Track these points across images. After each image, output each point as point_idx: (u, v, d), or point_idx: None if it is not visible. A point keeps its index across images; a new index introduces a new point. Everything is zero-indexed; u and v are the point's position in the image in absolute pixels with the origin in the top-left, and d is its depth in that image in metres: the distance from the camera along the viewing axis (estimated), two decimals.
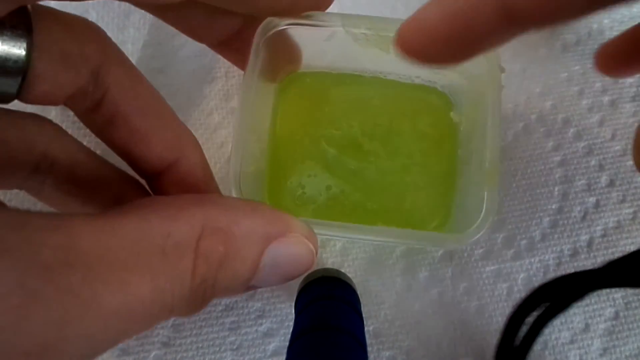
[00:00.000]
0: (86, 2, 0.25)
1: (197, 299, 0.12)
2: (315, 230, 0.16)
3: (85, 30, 0.16)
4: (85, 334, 0.10)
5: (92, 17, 0.25)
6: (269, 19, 0.18)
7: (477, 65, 0.19)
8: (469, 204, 0.19)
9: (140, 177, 0.19)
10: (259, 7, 0.17)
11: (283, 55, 0.20)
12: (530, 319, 0.17)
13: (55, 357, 0.10)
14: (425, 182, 0.21)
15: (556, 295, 0.17)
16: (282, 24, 0.19)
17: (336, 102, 0.22)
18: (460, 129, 0.21)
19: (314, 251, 0.15)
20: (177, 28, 0.19)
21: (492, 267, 0.22)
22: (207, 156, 0.23)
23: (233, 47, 0.20)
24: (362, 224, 0.18)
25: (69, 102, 0.16)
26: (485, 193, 0.17)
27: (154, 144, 0.17)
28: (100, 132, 0.18)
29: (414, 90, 0.22)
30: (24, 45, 0.14)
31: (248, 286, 0.14)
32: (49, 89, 0.15)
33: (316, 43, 0.20)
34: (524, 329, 0.17)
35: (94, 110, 0.17)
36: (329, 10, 0.19)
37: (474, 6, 0.11)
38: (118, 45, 0.24)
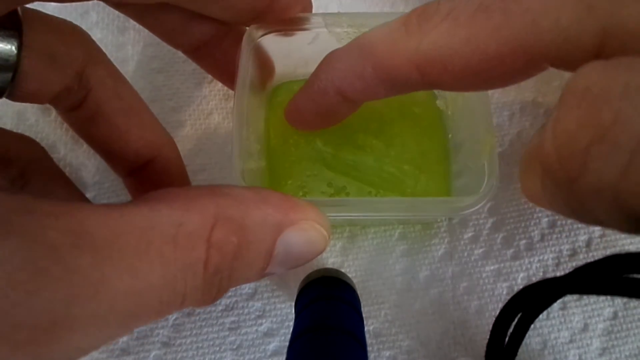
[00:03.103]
0: (87, 3, 0.25)
1: (212, 289, 0.12)
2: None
3: (71, 33, 0.17)
4: (93, 314, 0.10)
5: (92, 18, 0.25)
6: (252, 27, 0.19)
7: None
8: (467, 184, 0.19)
9: (116, 173, 0.20)
10: (237, 8, 0.18)
11: (267, 65, 0.21)
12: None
13: (63, 334, 0.10)
14: (422, 168, 0.21)
15: (534, 299, 0.17)
16: (266, 31, 0.19)
17: None
18: (448, 113, 0.22)
19: (327, 235, 0.15)
20: (153, 32, 0.19)
21: (492, 267, 0.22)
22: (207, 156, 0.23)
23: (206, 53, 0.20)
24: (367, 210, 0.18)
25: (54, 100, 0.17)
26: (485, 163, 0.18)
27: (133, 142, 0.18)
28: (81, 129, 0.18)
29: None
30: (15, 45, 0.15)
31: (263, 274, 0.14)
32: (36, 87, 0.16)
33: (300, 50, 0.20)
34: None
35: (76, 109, 0.17)
36: (324, 10, 0.20)
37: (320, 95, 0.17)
38: (118, 46, 0.25)
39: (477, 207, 0.17)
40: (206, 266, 0.12)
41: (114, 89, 0.18)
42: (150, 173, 0.19)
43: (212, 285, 0.12)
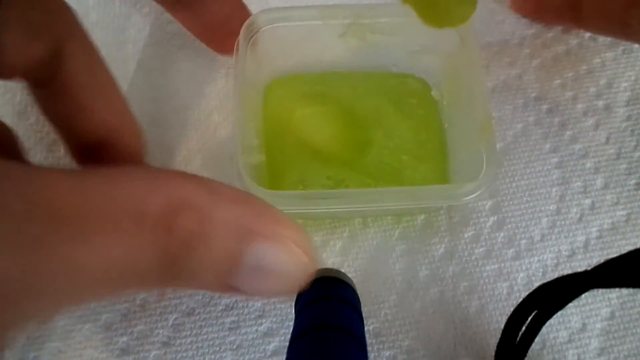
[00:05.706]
0: (87, 3, 0.25)
1: (168, 274, 0.12)
2: (317, 204, 0.16)
3: (50, 5, 0.16)
4: (48, 285, 0.10)
5: (92, 19, 0.25)
6: (248, 21, 0.19)
7: (450, 43, 0.20)
8: (466, 172, 0.20)
9: (69, 153, 0.19)
10: None
11: (264, 60, 0.21)
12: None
13: (19, 301, 0.10)
14: (420, 158, 0.21)
15: (553, 296, 0.17)
16: (263, 26, 0.19)
17: (322, 98, 0.22)
18: (444, 103, 0.22)
19: (306, 265, 0.13)
20: None
21: (492, 267, 0.22)
22: (208, 156, 0.23)
23: (186, 9, 0.20)
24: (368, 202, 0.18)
25: (28, 74, 0.16)
26: (483, 148, 0.18)
27: (96, 123, 0.17)
28: (42, 100, 0.18)
29: (393, 78, 0.23)
30: None
31: (228, 285, 0.13)
32: (14, 59, 0.15)
33: (297, 44, 0.20)
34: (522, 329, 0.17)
35: (45, 82, 0.17)
36: (323, 1, 0.20)
37: None
38: (118, 45, 0.25)
39: (477, 194, 0.17)
40: (164, 248, 0.11)
41: (87, 64, 0.17)
42: (104, 159, 0.18)
43: (167, 269, 0.12)
